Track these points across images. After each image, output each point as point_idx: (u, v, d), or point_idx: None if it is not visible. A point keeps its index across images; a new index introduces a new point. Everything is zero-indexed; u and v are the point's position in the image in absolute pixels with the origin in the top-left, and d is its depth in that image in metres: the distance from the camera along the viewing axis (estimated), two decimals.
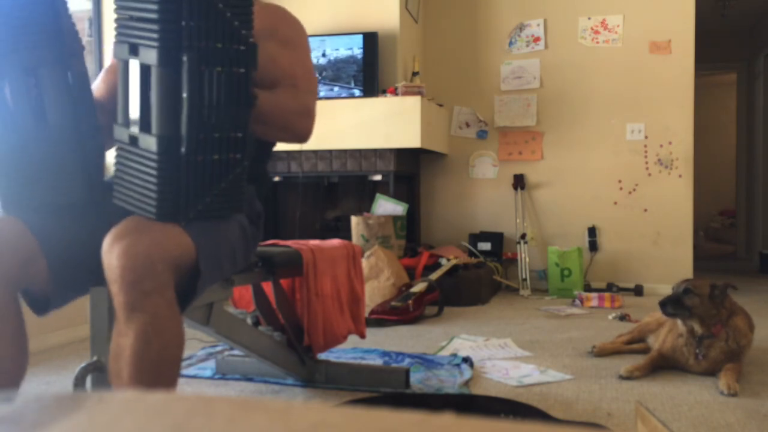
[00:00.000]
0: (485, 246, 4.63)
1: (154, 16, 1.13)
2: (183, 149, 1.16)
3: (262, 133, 1.44)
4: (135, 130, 1.20)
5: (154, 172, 1.16)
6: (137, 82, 1.18)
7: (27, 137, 1.25)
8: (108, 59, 3.32)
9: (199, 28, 1.14)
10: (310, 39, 4.29)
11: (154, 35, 1.13)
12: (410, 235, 4.42)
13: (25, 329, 1.29)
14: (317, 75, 4.23)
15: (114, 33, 1.23)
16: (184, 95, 1.14)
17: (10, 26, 1.22)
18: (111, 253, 1.16)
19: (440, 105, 4.59)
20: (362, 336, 2.24)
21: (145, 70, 1.17)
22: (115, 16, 1.23)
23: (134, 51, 1.18)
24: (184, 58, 1.13)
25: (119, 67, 1.23)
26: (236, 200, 1.27)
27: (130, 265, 1.14)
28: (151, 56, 1.14)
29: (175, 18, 1.13)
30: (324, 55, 4.23)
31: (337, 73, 4.22)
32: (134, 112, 1.20)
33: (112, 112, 1.47)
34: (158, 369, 1.18)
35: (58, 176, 1.27)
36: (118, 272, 1.14)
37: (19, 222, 1.29)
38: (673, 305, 2.32)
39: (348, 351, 2.57)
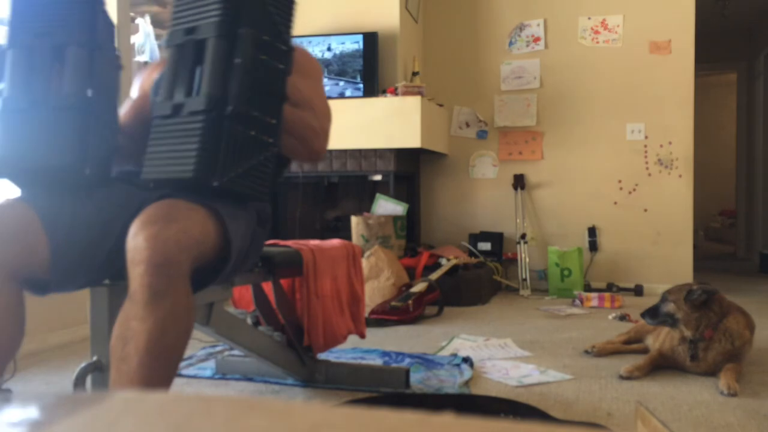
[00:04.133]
0: (485, 246, 4.63)
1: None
2: (230, 108, 1.21)
3: (282, 141, 1.48)
4: (180, 98, 1.26)
5: (198, 127, 1.21)
6: (189, 61, 1.27)
7: (36, 100, 1.29)
8: None
9: (253, 18, 1.25)
10: (312, 39, 4.31)
11: (216, 11, 1.23)
12: (410, 235, 4.42)
13: (24, 311, 1.28)
14: (324, 68, 4.22)
15: (170, 24, 1.33)
16: (238, 61, 1.22)
17: (49, 11, 1.33)
18: (138, 236, 1.15)
19: (440, 105, 4.59)
20: (362, 336, 2.24)
21: (198, 46, 1.25)
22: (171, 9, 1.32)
23: (190, 32, 1.27)
24: (242, 31, 1.23)
25: (170, 54, 1.30)
26: (260, 185, 1.30)
27: (159, 249, 1.13)
28: (209, 30, 1.23)
29: (234, 4, 1.24)
30: (329, 49, 4.22)
31: (342, 67, 4.20)
32: (181, 86, 1.27)
33: (135, 138, 1.53)
34: (169, 359, 1.17)
35: (55, 137, 1.29)
36: (146, 254, 1.13)
37: (27, 207, 1.29)
38: (651, 314, 2.33)
39: (348, 351, 2.56)
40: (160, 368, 1.16)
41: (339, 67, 4.20)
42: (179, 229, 1.17)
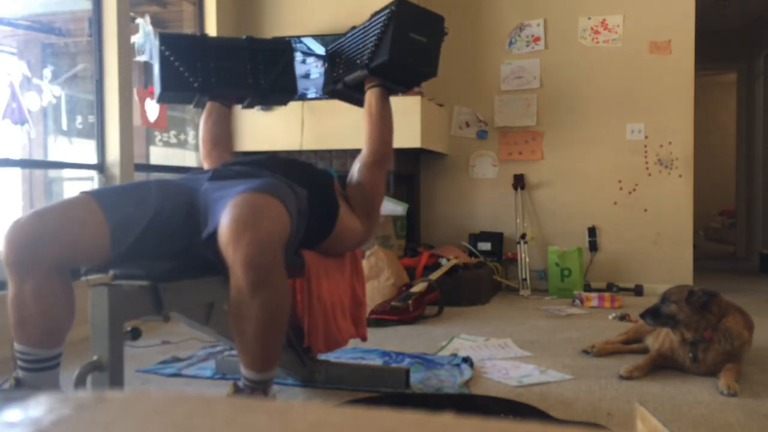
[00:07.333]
0: (485, 246, 4.63)
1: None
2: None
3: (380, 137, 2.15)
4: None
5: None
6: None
7: None
8: (109, 58, 3.33)
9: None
10: (311, 39, 4.30)
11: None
12: (410, 235, 4.41)
13: (73, 296, 1.49)
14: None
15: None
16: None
17: None
18: (238, 243, 1.36)
19: (440, 105, 4.58)
20: (364, 339, 2.24)
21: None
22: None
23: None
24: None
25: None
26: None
27: (257, 252, 1.36)
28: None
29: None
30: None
31: None
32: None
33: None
34: (278, 329, 1.47)
35: None
36: (247, 259, 1.36)
37: (93, 203, 1.48)
38: (652, 316, 2.32)
39: (348, 351, 2.56)
40: (272, 337, 1.47)
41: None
42: (268, 227, 1.39)
